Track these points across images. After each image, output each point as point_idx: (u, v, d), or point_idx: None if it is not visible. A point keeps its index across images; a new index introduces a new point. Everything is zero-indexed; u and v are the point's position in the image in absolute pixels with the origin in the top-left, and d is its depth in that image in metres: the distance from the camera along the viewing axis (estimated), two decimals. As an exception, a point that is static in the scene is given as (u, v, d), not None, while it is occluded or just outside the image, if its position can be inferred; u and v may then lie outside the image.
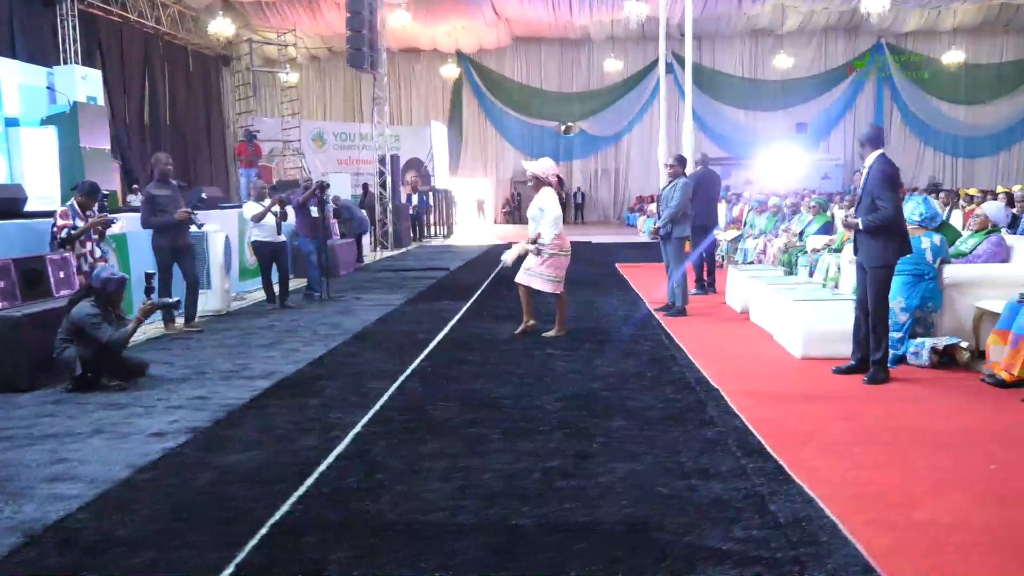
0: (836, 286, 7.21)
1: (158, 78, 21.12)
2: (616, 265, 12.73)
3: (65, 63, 15.10)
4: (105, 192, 6.70)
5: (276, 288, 8.57)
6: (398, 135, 24.88)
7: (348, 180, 19.32)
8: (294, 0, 22.45)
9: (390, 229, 17.67)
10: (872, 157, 4.95)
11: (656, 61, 28.26)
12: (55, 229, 6.15)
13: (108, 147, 10.82)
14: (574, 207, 29.22)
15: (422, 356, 5.93)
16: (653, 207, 22.22)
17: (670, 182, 7.50)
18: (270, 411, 4.49)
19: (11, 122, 10.17)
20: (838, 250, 7.77)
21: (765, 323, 6.72)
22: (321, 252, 9.16)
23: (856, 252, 5.12)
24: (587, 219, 29.18)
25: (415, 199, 21.05)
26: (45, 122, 10.02)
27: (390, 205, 17.74)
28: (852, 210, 5.49)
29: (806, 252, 8.86)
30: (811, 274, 7.96)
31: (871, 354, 4.92)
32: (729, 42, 28.12)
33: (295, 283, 10.01)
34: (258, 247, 8.39)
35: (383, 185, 17.66)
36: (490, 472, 3.42)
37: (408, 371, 5.43)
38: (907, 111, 28.24)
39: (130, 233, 7.60)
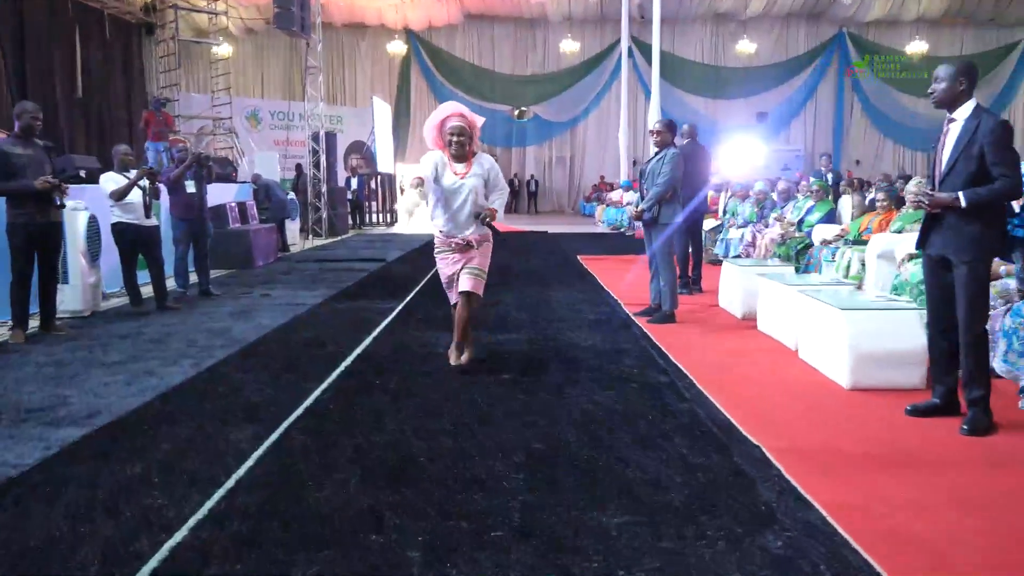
0: (860, 287, 5.77)
1: (67, 45, 18.70)
2: (578, 257, 11.17)
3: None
4: None
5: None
6: (341, 116, 22.92)
7: (276, 159, 17.29)
8: (223, -38, 20.34)
9: (324, 215, 15.78)
10: (967, 108, 3.42)
11: (614, 44, 26.92)
12: None
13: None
14: (527, 195, 27.69)
15: (325, 384, 4.24)
16: (614, 195, 20.83)
17: (657, 153, 5.90)
18: (48, 494, 2.75)
19: None
20: (857, 242, 6.34)
21: (781, 334, 5.21)
22: (199, 238, 7.40)
23: (921, 243, 3.61)
24: (540, 208, 27.61)
25: (354, 183, 19.18)
26: None
27: (324, 188, 15.83)
28: (925, 182, 4.00)
29: (809, 244, 7.43)
30: (820, 271, 6.52)
31: (969, 390, 3.42)
32: (690, 26, 26.83)
33: (214, 273, 8.24)
34: (120, 231, 6.50)
35: (316, 165, 15.73)
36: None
37: (298, 410, 3.74)
38: (868, 103, 27.42)
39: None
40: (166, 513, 2.57)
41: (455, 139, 4.38)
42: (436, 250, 4.57)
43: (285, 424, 3.51)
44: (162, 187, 7.09)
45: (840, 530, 2.39)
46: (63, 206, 5.68)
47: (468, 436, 3.33)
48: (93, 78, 19.59)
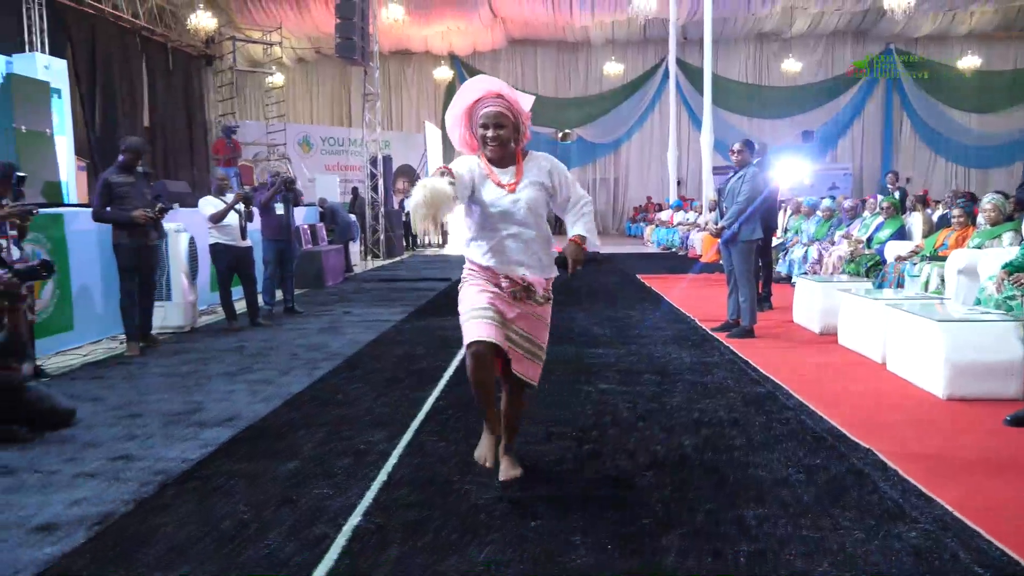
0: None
1: (135, 76, 19.60)
2: (637, 276, 11.35)
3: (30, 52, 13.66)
4: (22, 174, 5.24)
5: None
6: (388, 141, 23.53)
7: (337, 183, 17.84)
8: (280, -4, 21.19)
9: (382, 236, 16.23)
10: None
11: (657, 66, 27.18)
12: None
13: (50, 131, 9.32)
14: (573, 217, 27.92)
15: (436, 392, 4.50)
16: (663, 215, 21.02)
17: (736, 172, 6.10)
18: (223, 484, 3.03)
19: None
20: (934, 258, 6.42)
21: (865, 348, 5.33)
22: (287, 258, 7.79)
23: None
24: (586, 230, 27.78)
25: (407, 205, 19.63)
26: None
27: (382, 210, 16.29)
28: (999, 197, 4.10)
29: (881, 261, 7.51)
30: (898, 286, 6.61)
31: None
32: (733, 46, 26.93)
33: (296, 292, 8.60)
34: (217, 252, 6.91)
35: (375, 188, 16.21)
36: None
37: (420, 416, 4.00)
38: (917, 119, 27.11)
39: (72, 233, 6.16)
40: (333, 503, 2.82)
41: (491, 133, 2.84)
42: (465, 278, 2.99)
43: (413, 427, 3.76)
44: (255, 210, 7.50)
45: (972, 524, 2.54)
46: (157, 238, 6.12)
47: (589, 440, 3.54)
48: (158, 107, 20.47)
